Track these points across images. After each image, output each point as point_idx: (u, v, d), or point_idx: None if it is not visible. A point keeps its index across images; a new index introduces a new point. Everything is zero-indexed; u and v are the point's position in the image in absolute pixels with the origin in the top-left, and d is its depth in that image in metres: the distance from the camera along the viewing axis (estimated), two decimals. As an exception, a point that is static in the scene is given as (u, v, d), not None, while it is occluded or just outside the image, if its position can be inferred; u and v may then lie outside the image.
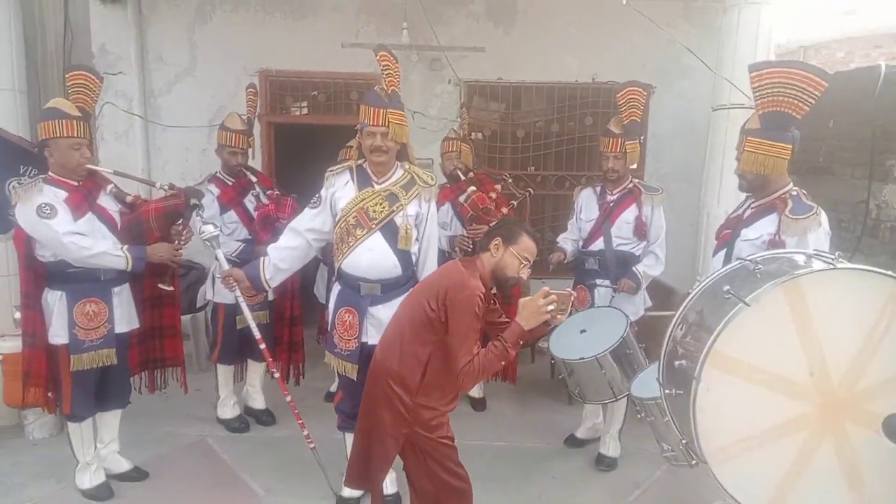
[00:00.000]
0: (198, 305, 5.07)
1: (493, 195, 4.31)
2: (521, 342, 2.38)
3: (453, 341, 2.33)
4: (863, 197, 4.17)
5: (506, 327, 2.45)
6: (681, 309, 1.73)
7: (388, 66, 3.07)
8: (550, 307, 2.32)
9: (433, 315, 2.35)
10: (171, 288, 3.40)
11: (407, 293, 3.05)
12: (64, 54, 6.12)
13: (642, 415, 2.86)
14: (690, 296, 1.73)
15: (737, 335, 1.46)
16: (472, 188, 4.21)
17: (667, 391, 1.69)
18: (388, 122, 2.92)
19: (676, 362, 1.61)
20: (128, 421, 3.52)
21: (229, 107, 5.73)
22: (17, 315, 3.78)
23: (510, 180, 5.31)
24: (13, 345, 3.69)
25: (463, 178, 4.30)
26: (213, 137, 5.76)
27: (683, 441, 1.65)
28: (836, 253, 1.59)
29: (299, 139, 6.99)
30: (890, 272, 1.47)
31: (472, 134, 5.88)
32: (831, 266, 1.46)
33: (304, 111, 5.96)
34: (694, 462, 2.61)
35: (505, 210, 4.37)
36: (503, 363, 2.37)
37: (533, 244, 2.49)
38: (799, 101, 2.55)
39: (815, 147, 4.67)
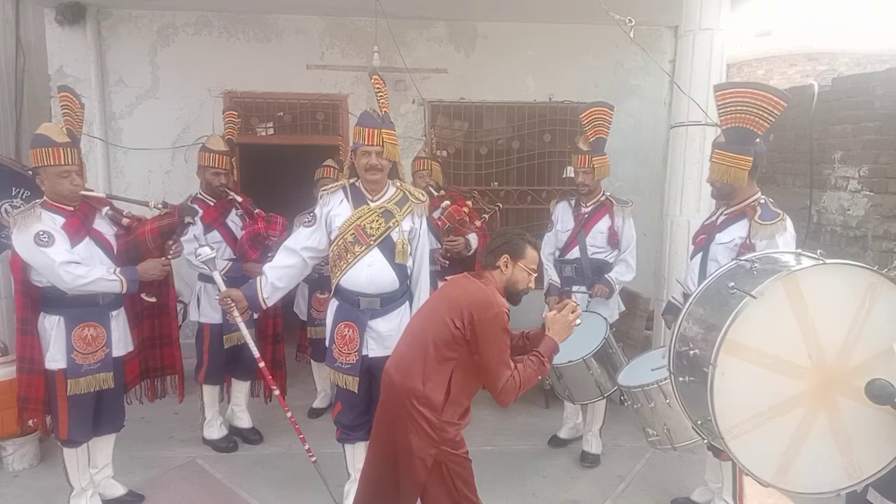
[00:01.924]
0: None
1: (466, 209, 4.50)
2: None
3: (488, 359, 2.37)
4: (805, 204, 4.58)
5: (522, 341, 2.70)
6: (685, 306, 1.94)
7: (380, 89, 3.22)
8: (578, 321, 2.57)
9: (457, 333, 2.36)
10: (154, 299, 3.40)
11: (406, 306, 3.21)
12: (16, 76, 5.99)
13: (628, 402, 3.10)
14: (693, 295, 1.94)
15: (745, 324, 1.68)
16: (447, 202, 4.39)
17: (679, 379, 1.90)
18: (383, 141, 3.06)
19: (691, 352, 1.81)
20: (116, 445, 3.48)
21: (193, 128, 5.77)
22: (-3, 343, 3.72)
23: (478, 197, 5.53)
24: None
25: (435, 194, 4.47)
26: (177, 159, 5.83)
27: (697, 422, 1.85)
28: (819, 251, 1.85)
29: (266, 160, 7.02)
30: (866, 265, 1.73)
31: (437, 151, 6.09)
32: (821, 261, 1.71)
33: (271, 132, 6.01)
34: (678, 446, 2.89)
35: (478, 223, 4.58)
36: (539, 377, 2.50)
37: (536, 254, 2.62)
38: (759, 119, 2.85)
39: (759, 160, 5.08)
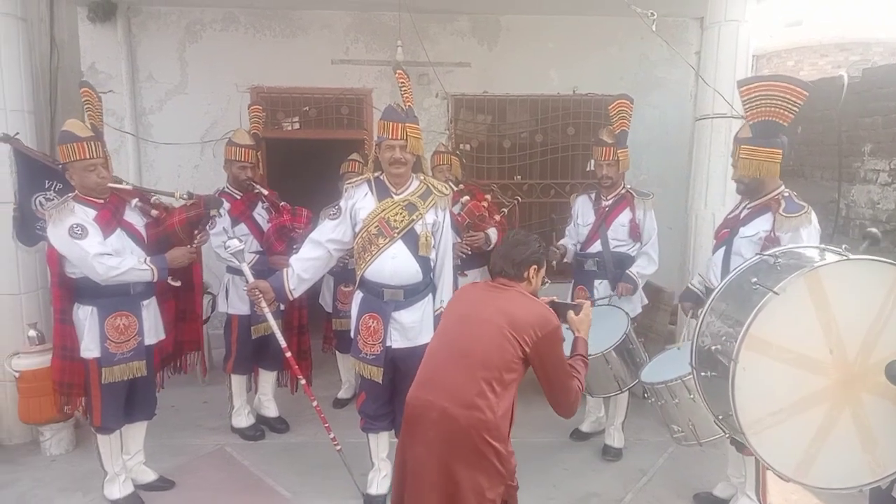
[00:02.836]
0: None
1: (485, 204, 4.52)
2: None
3: (557, 375, 2.29)
4: (833, 197, 4.52)
5: None
6: (709, 301, 1.95)
7: (403, 83, 3.25)
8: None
9: (522, 353, 2.19)
10: (178, 283, 3.48)
11: (429, 298, 3.24)
12: (51, 74, 6.14)
13: (652, 399, 3.10)
14: (717, 290, 1.95)
15: (767, 320, 1.69)
16: (466, 197, 4.41)
17: (702, 374, 1.91)
18: (406, 135, 3.10)
19: (713, 347, 1.82)
20: (148, 433, 3.58)
21: (221, 123, 5.86)
22: (31, 333, 3.85)
23: (497, 190, 5.55)
24: (29, 362, 3.77)
25: (455, 189, 4.50)
26: (205, 154, 5.93)
27: (719, 416, 1.86)
28: (843, 245, 1.84)
29: (292, 154, 7.10)
30: (892, 260, 1.72)
31: (460, 145, 6.11)
32: (845, 257, 1.70)
33: (296, 126, 6.08)
34: (704, 441, 2.89)
35: (497, 217, 4.60)
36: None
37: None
38: (784, 110, 2.84)
39: (786, 152, 5.01)
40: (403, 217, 3.12)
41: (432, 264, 3.26)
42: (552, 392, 2.33)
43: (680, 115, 6.22)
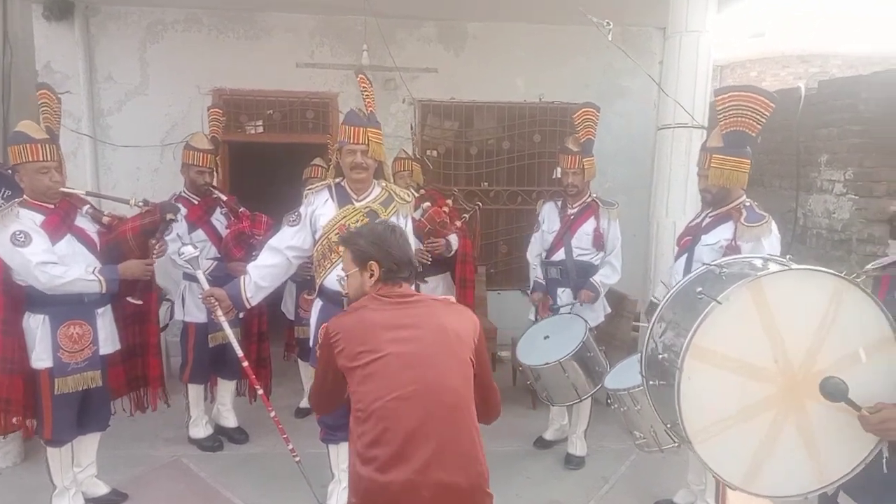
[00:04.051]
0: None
1: (446, 209, 4.50)
2: None
3: (488, 374, 2.10)
4: (791, 206, 4.60)
5: None
6: (658, 310, 1.95)
7: (365, 88, 3.23)
8: None
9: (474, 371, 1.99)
10: (140, 302, 3.38)
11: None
12: (2, 71, 5.95)
13: (615, 405, 3.11)
14: (665, 297, 1.96)
15: (711, 329, 1.69)
16: (427, 203, 4.39)
17: (650, 382, 1.91)
18: (368, 140, 3.07)
19: (659, 356, 1.83)
20: (101, 444, 3.47)
21: (182, 125, 5.76)
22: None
23: (458, 196, 5.54)
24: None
25: (416, 195, 4.48)
26: (165, 157, 5.82)
27: (667, 426, 1.87)
28: (788, 256, 1.87)
29: (255, 158, 7.00)
30: (833, 270, 1.75)
31: (427, 151, 6.09)
32: (786, 267, 1.72)
33: (260, 129, 6.00)
34: (665, 447, 2.90)
35: (458, 223, 4.58)
36: None
37: None
38: (753, 121, 2.87)
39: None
40: (364, 224, 3.08)
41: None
42: (487, 394, 2.07)
43: (644, 124, 6.29)
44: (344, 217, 3.07)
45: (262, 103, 5.93)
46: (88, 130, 5.68)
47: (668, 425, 1.87)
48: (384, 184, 3.24)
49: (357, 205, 3.12)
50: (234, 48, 5.81)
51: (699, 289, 1.76)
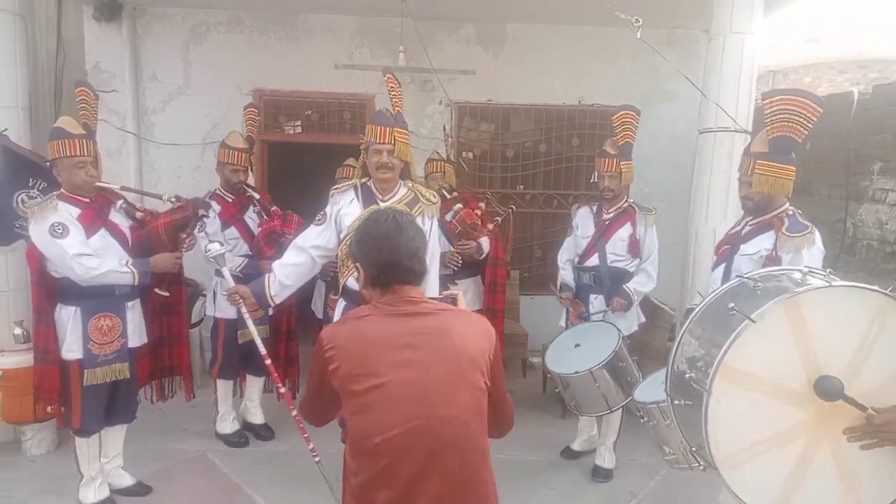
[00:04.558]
0: (192, 321, 5.08)
1: (478, 212, 4.44)
2: None
3: (503, 388, 1.84)
4: (840, 216, 4.38)
5: None
6: (686, 324, 1.85)
7: (393, 88, 3.19)
8: None
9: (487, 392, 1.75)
10: (167, 293, 3.43)
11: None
12: (56, 71, 6.16)
13: (645, 419, 2.99)
14: (694, 312, 1.85)
15: (743, 349, 1.58)
16: (459, 205, 4.34)
17: (676, 402, 1.80)
18: (395, 139, 3.03)
19: (686, 375, 1.72)
20: (128, 437, 3.54)
21: (223, 125, 5.83)
22: (17, 331, 3.82)
23: (491, 199, 5.46)
24: (13, 360, 3.74)
25: (448, 196, 4.43)
26: (206, 155, 5.91)
27: (693, 449, 1.77)
28: (828, 270, 1.74)
29: (293, 157, 7.07)
30: (877, 287, 1.61)
31: (463, 153, 6.04)
32: (828, 284, 1.60)
33: (298, 130, 6.04)
34: (694, 465, 2.76)
35: (490, 226, 4.51)
36: None
37: None
38: (800, 126, 2.73)
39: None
40: None
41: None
42: (501, 409, 1.82)
43: (688, 129, 6.08)
44: (369, 217, 3.03)
45: (300, 104, 5.98)
46: (133, 128, 5.82)
47: (694, 448, 1.76)
48: (410, 184, 3.20)
49: (382, 205, 3.08)
50: (275, 49, 5.87)
51: (731, 304, 1.64)
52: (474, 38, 5.98)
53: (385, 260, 1.73)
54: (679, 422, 1.85)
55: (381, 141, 3.02)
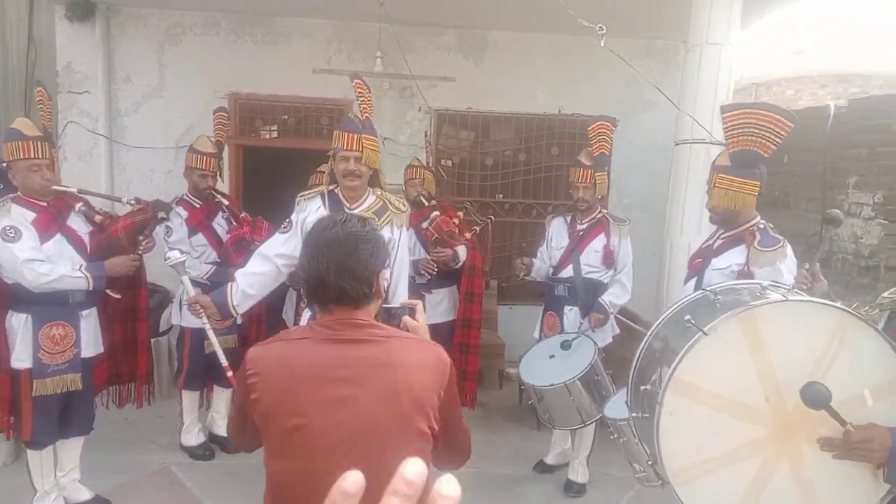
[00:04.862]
0: (161, 329, 4.97)
1: (457, 221, 4.38)
2: None
3: (458, 420, 1.63)
4: (816, 230, 4.37)
5: None
6: (646, 336, 1.80)
7: (361, 93, 3.13)
8: None
9: (431, 433, 1.51)
10: (119, 296, 3.32)
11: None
12: (27, 71, 6.02)
13: (615, 435, 2.93)
14: (656, 324, 1.80)
15: (696, 363, 1.53)
16: (437, 213, 4.28)
17: (634, 414, 1.75)
18: (363, 146, 2.96)
19: (642, 387, 1.67)
20: (87, 448, 3.43)
21: (197, 128, 5.73)
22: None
23: (470, 208, 5.40)
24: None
25: (426, 204, 4.37)
26: (179, 159, 5.78)
27: (649, 462, 1.71)
28: (791, 285, 1.69)
29: (268, 162, 6.97)
30: (837, 303, 1.57)
31: (442, 161, 5.98)
32: (784, 298, 1.55)
33: (275, 135, 5.96)
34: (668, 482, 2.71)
35: (468, 235, 4.45)
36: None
37: None
38: (767, 141, 2.69)
39: (771, 181, 4.85)
40: None
41: (385, 284, 3.10)
42: (453, 446, 1.61)
43: (667, 139, 6.03)
44: (335, 225, 2.96)
45: (277, 108, 5.91)
46: (105, 131, 5.71)
47: (650, 462, 1.71)
48: (379, 192, 3.13)
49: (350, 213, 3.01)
50: (252, 52, 5.79)
51: (687, 316, 1.60)
52: (455, 45, 5.95)
53: (313, 274, 1.50)
54: (639, 434, 1.80)
55: (349, 148, 2.95)
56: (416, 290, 4.42)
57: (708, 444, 1.55)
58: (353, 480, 0.56)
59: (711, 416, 1.54)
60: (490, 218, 5.02)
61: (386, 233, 3.04)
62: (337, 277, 1.46)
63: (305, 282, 1.54)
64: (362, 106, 3.09)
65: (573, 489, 3.80)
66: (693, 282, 3.05)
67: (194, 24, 5.73)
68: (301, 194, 3.17)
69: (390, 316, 1.74)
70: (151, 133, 5.74)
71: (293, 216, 3.11)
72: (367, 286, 1.50)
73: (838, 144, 4.37)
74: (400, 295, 3.16)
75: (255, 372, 1.46)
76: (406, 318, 1.73)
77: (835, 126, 4.35)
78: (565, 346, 3.65)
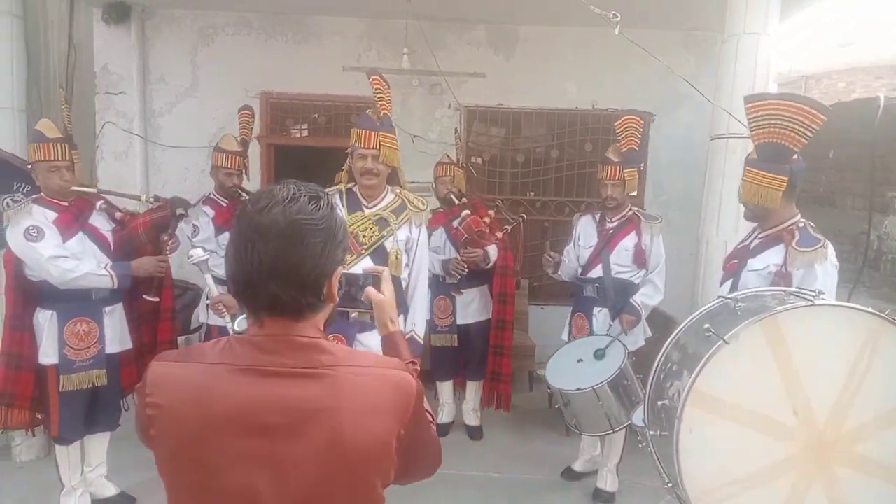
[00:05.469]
0: (192, 327, 5.02)
1: (487, 220, 4.29)
2: None
3: (429, 447, 1.31)
4: (863, 228, 4.13)
5: None
6: (664, 347, 1.68)
7: (379, 89, 3.08)
8: None
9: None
10: (157, 299, 3.35)
11: (399, 320, 3.00)
12: (67, 73, 6.16)
13: (644, 444, 2.81)
14: (673, 335, 1.68)
15: (717, 374, 1.42)
16: (467, 212, 4.20)
17: (651, 432, 1.64)
18: (380, 144, 2.91)
19: (659, 402, 1.56)
20: (112, 445, 3.46)
21: (229, 128, 5.75)
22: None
23: (502, 206, 5.29)
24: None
25: (457, 202, 4.29)
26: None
27: (669, 484, 1.60)
28: (817, 289, 1.56)
29: (299, 161, 7.00)
30: (869, 308, 1.43)
31: (472, 158, 5.89)
32: (809, 302, 1.42)
33: (305, 133, 5.97)
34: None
35: (499, 234, 4.35)
36: None
37: None
38: (795, 133, 2.53)
39: (816, 177, 4.65)
40: (374, 232, 2.92)
41: (404, 284, 3.04)
42: (421, 465, 1.30)
43: (705, 134, 5.85)
44: (353, 224, 2.91)
45: (307, 107, 5.91)
46: (140, 131, 5.81)
47: (670, 484, 1.59)
48: (398, 190, 3.08)
49: (367, 212, 2.96)
50: (283, 52, 5.81)
51: (707, 325, 1.48)
52: (485, 41, 5.85)
53: (234, 272, 1.11)
54: (658, 455, 1.68)
55: (366, 146, 2.90)
56: (447, 290, 4.36)
57: (733, 463, 1.44)
58: None
59: (735, 432, 1.42)
60: (522, 216, 4.89)
61: (404, 232, 2.99)
62: (270, 280, 1.07)
63: (229, 279, 1.13)
64: (380, 102, 3.03)
65: (602, 497, 3.68)
66: (729, 284, 2.91)
67: (226, 25, 5.77)
68: (320, 192, 3.12)
69: (350, 286, 1.43)
70: (185, 133, 5.81)
71: (312, 215, 3.06)
72: (313, 293, 1.11)
73: (889, 137, 4.12)
74: (420, 294, 3.09)
75: (156, 402, 1.10)
76: (369, 291, 1.43)
77: (885, 118, 4.10)
78: (598, 355, 3.51)
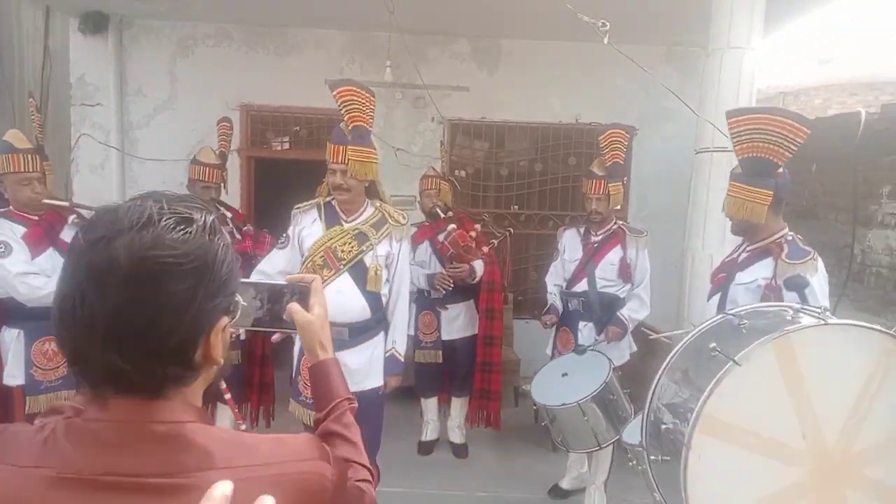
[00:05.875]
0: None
1: (473, 234, 4.23)
2: None
3: None
4: (847, 241, 4.14)
5: None
6: (662, 367, 1.62)
7: (351, 100, 2.98)
8: None
9: None
10: None
11: (380, 337, 2.93)
12: (42, 83, 6.03)
13: (634, 462, 2.74)
14: (673, 352, 1.62)
15: (727, 397, 1.36)
16: (453, 226, 4.13)
17: (652, 457, 1.57)
18: (348, 159, 2.82)
19: (663, 426, 1.49)
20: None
21: (208, 141, 5.64)
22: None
23: (488, 220, 5.24)
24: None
25: (442, 215, 4.23)
26: (191, 171, 5.74)
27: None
28: (823, 307, 1.51)
29: (280, 174, 6.91)
30: (880, 327, 1.38)
31: (456, 172, 5.84)
32: (822, 321, 1.37)
33: (286, 146, 5.88)
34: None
35: (485, 249, 4.30)
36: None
37: None
38: (779, 147, 2.51)
39: (799, 191, 4.66)
40: (352, 247, 2.84)
41: (384, 300, 2.96)
42: None
43: (689, 148, 5.87)
44: (331, 238, 2.83)
45: (289, 119, 5.83)
46: (117, 143, 5.67)
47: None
48: (378, 204, 2.99)
49: (346, 226, 2.88)
50: (263, 64, 5.73)
51: (712, 344, 1.42)
52: (468, 54, 5.82)
53: (58, 332, 0.80)
54: (657, 480, 1.61)
55: (335, 160, 2.82)
56: (432, 305, 4.29)
57: (742, 490, 1.37)
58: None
59: (744, 457, 1.36)
60: (509, 230, 4.85)
61: (384, 247, 2.91)
62: (109, 348, 0.74)
63: (57, 339, 0.81)
64: (349, 115, 2.94)
65: (589, 516, 3.60)
66: (717, 297, 2.87)
67: (206, 36, 5.68)
68: (296, 206, 3.04)
69: (272, 302, 1.15)
70: (163, 145, 5.68)
71: (289, 230, 2.98)
72: (177, 362, 0.78)
73: (871, 152, 4.15)
74: (400, 309, 3.01)
75: None
76: (292, 308, 1.14)
77: (867, 133, 4.13)
78: (579, 350, 3.49)
